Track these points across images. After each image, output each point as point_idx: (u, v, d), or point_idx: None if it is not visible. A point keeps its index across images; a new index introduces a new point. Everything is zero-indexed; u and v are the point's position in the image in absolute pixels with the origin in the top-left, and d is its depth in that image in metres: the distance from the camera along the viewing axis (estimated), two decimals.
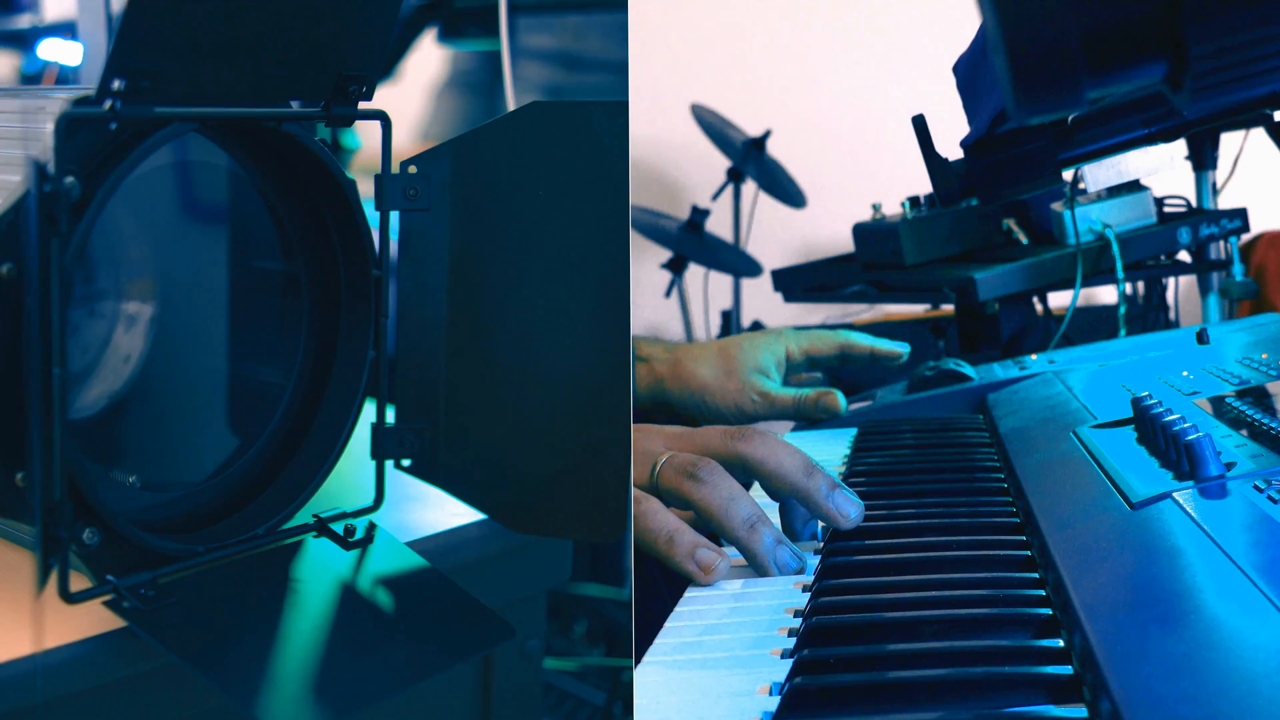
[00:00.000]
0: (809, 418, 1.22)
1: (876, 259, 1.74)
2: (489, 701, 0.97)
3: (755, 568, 0.77)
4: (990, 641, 0.61)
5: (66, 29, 2.07)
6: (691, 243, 2.44)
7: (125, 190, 0.70)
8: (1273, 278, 2.15)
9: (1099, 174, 1.57)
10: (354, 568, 0.82)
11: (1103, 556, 0.65)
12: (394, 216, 0.86)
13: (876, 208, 1.79)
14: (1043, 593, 0.66)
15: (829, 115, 2.82)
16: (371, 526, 0.86)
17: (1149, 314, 1.82)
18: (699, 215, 2.43)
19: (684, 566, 0.76)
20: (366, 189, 0.85)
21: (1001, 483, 0.88)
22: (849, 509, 0.79)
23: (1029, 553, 0.72)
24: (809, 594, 0.72)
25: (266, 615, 0.76)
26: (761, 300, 2.47)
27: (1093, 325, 1.77)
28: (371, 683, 0.73)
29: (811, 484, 0.79)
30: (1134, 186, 1.62)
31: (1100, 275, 1.57)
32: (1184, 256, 1.69)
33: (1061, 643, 0.59)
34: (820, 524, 0.83)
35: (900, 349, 1.23)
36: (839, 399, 1.19)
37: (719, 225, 2.58)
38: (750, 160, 2.51)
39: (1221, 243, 1.66)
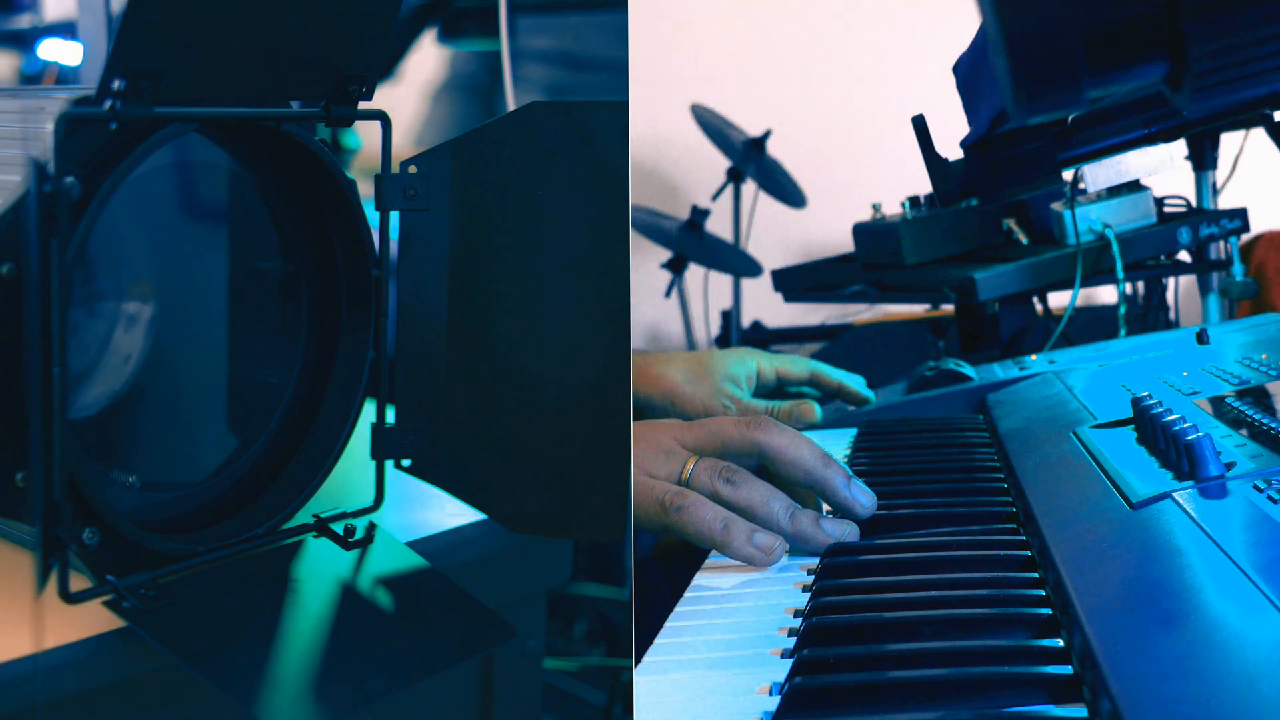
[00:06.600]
0: None
1: (876, 259, 1.74)
2: (489, 701, 0.97)
3: (808, 548, 0.80)
4: (990, 641, 0.61)
5: (66, 29, 2.06)
6: (691, 243, 2.43)
7: (125, 190, 0.70)
8: (1273, 278, 2.14)
9: (1099, 174, 1.57)
10: (354, 568, 0.82)
11: (1103, 556, 0.65)
12: (394, 216, 0.86)
13: (876, 208, 1.78)
14: (1043, 593, 0.66)
15: (829, 115, 2.82)
16: (371, 526, 0.86)
17: (1149, 314, 1.82)
18: (699, 215, 2.43)
19: (744, 551, 0.79)
20: (366, 189, 0.85)
21: (1001, 483, 0.88)
22: (864, 499, 0.82)
23: (1029, 553, 0.72)
24: (809, 594, 0.72)
25: (266, 615, 0.76)
26: (761, 300, 2.47)
27: (1093, 325, 1.77)
28: (371, 683, 0.73)
29: (829, 473, 0.82)
30: (1134, 186, 1.62)
31: (1100, 275, 1.57)
32: (1184, 256, 1.69)
33: (1061, 643, 0.59)
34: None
35: (868, 396, 1.22)
36: (814, 409, 1.18)
37: (719, 225, 2.58)
38: (750, 160, 2.51)
39: (1221, 243, 1.66)
